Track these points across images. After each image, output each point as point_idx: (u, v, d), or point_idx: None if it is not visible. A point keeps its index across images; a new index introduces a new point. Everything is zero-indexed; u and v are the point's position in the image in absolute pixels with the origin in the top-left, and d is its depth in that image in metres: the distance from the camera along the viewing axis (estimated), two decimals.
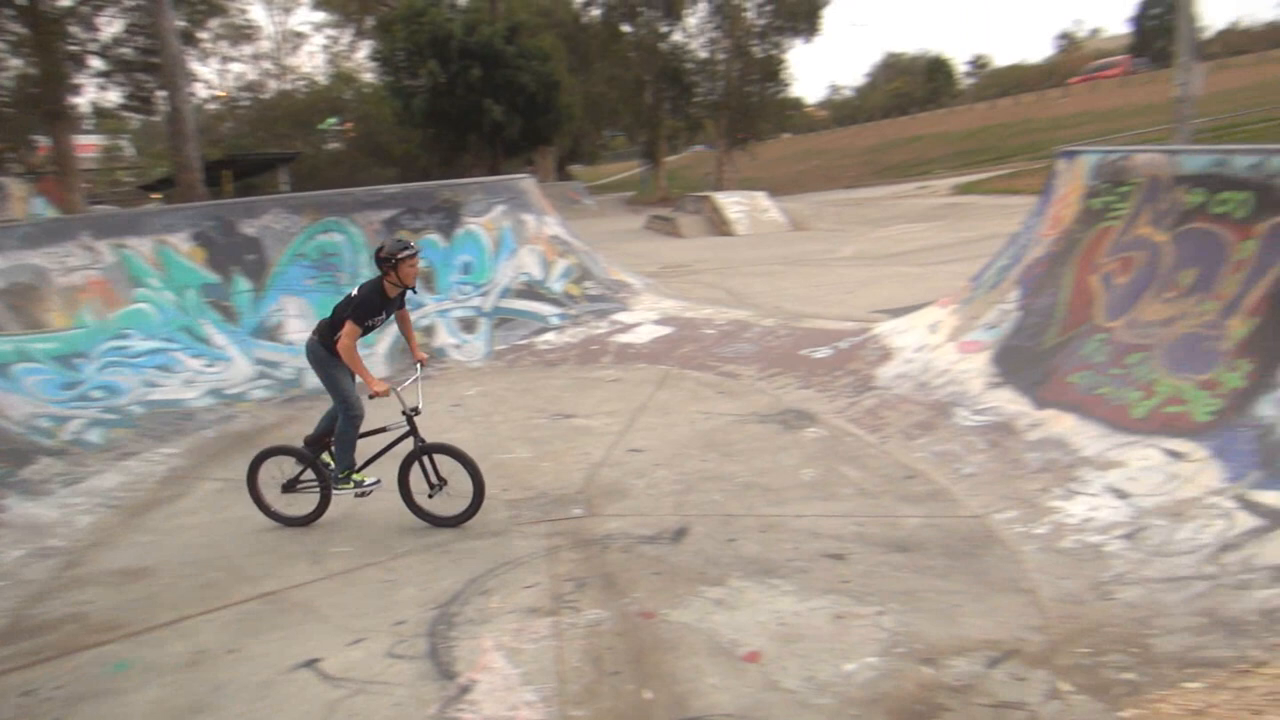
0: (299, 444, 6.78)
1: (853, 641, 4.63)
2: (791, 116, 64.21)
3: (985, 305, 9.09)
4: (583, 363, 11.24)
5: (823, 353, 10.27)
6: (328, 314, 6.43)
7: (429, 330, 11.92)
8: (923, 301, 11.20)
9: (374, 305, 6.17)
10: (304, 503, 6.69)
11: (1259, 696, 3.73)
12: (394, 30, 38.39)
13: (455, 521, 6.41)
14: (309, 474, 6.64)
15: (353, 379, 6.33)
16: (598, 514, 6.57)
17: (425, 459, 6.38)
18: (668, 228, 29.34)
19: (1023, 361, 7.91)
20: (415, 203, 12.87)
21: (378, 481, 6.56)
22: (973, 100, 78.85)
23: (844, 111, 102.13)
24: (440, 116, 37.60)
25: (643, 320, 12.52)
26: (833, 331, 11.03)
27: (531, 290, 12.73)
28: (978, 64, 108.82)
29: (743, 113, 47.71)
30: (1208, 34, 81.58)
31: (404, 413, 6.25)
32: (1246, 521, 4.95)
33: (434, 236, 12.67)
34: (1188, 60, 28.28)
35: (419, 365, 6.58)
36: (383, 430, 6.50)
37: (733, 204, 29.04)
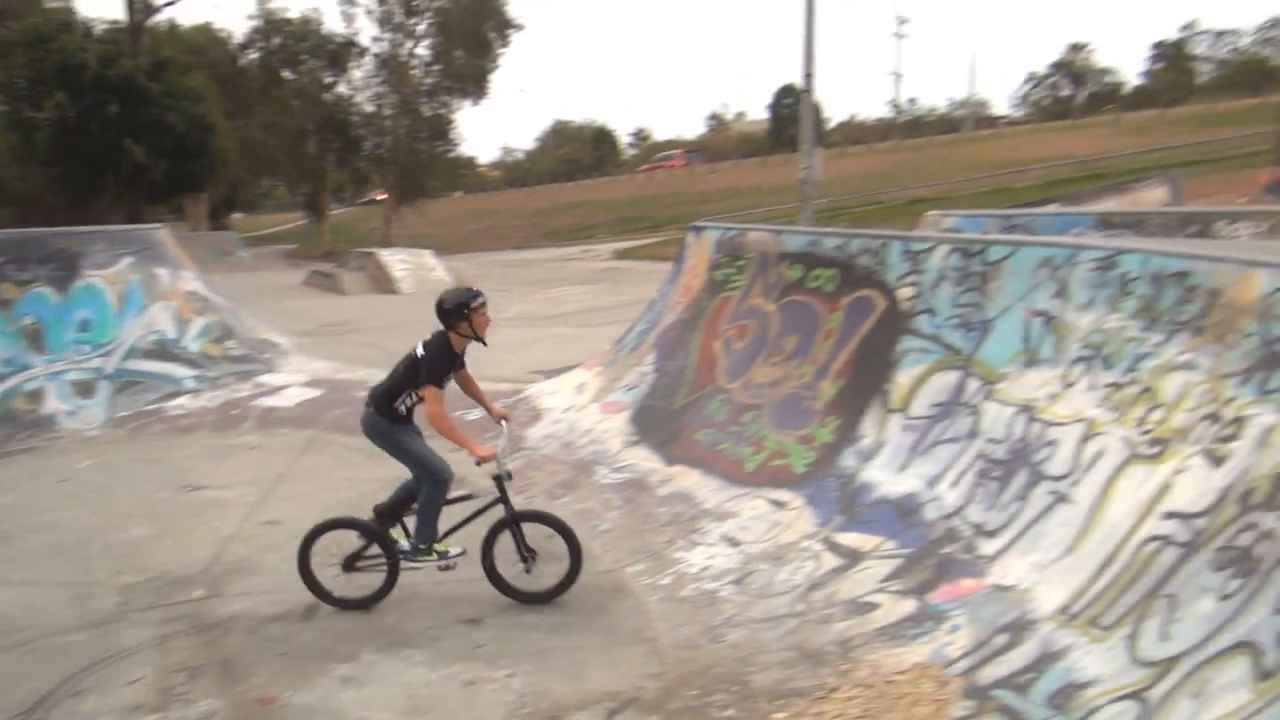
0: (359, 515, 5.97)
1: (482, 707, 4.66)
2: (464, 175, 64.85)
3: (626, 368, 9.65)
4: (220, 429, 10.49)
5: (476, 414, 10.34)
6: None
7: (34, 395, 10.59)
8: (577, 362, 11.65)
9: (447, 363, 5.59)
10: (365, 581, 5.85)
11: None
12: (14, 55, 34.17)
13: (546, 597, 5.82)
14: (374, 549, 5.87)
15: (424, 441, 5.69)
16: (222, 594, 6.13)
17: (516, 528, 5.80)
18: (329, 284, 28.32)
19: (657, 421, 8.47)
20: (22, 251, 11.46)
21: (463, 552, 5.81)
22: (634, 170, 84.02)
23: (515, 173, 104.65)
24: (70, 154, 33.84)
25: (290, 382, 11.94)
26: (488, 392, 11.15)
27: (164, 350, 11.72)
28: (639, 137, 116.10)
29: (411, 169, 47.47)
30: (830, 125, 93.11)
31: (494, 477, 5.74)
32: (831, 561, 5.61)
33: (45, 290, 11.33)
34: (810, 147, 32.10)
35: (503, 423, 6.10)
36: (468, 497, 5.86)
37: (398, 262, 28.62)
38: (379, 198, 55.62)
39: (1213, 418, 4.01)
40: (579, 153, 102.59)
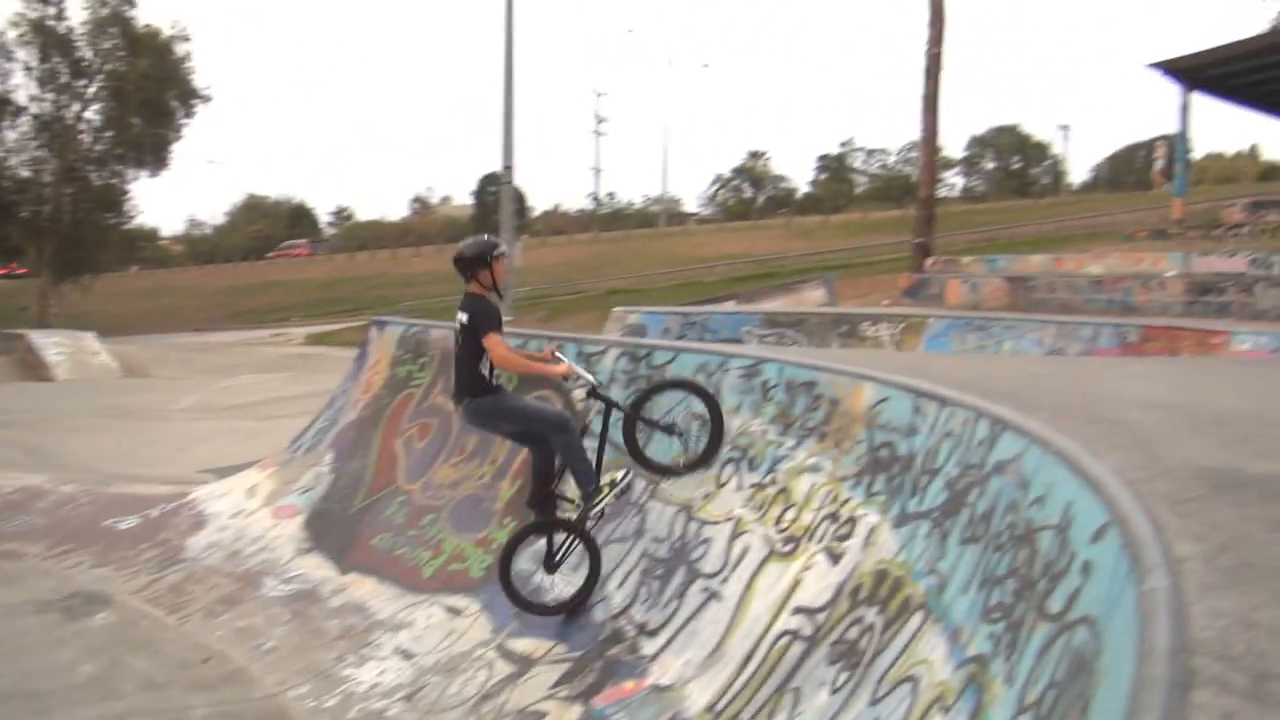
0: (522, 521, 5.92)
1: None
2: (142, 249, 59.67)
3: (302, 468, 9.16)
4: None
5: (130, 522, 9.36)
6: None
7: None
8: (254, 460, 10.91)
9: (488, 307, 5.68)
10: (569, 575, 5.78)
11: None
12: None
13: (701, 464, 5.78)
14: (559, 536, 5.78)
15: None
16: None
17: (638, 417, 5.90)
18: None
19: (333, 525, 8.07)
20: None
21: (628, 472, 5.79)
22: (334, 250, 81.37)
23: (202, 248, 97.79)
24: None
25: None
26: (146, 497, 10.14)
27: None
28: (341, 215, 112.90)
29: (74, 242, 42.98)
30: (534, 214, 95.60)
31: (589, 393, 5.91)
32: (503, 669, 5.55)
33: None
34: (510, 237, 32.72)
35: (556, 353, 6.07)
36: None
37: (52, 345, 25.71)
38: (19, 271, 49.97)
39: (833, 517, 4.43)
40: (273, 229, 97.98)
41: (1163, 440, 2.75)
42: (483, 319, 5.64)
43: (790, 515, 4.80)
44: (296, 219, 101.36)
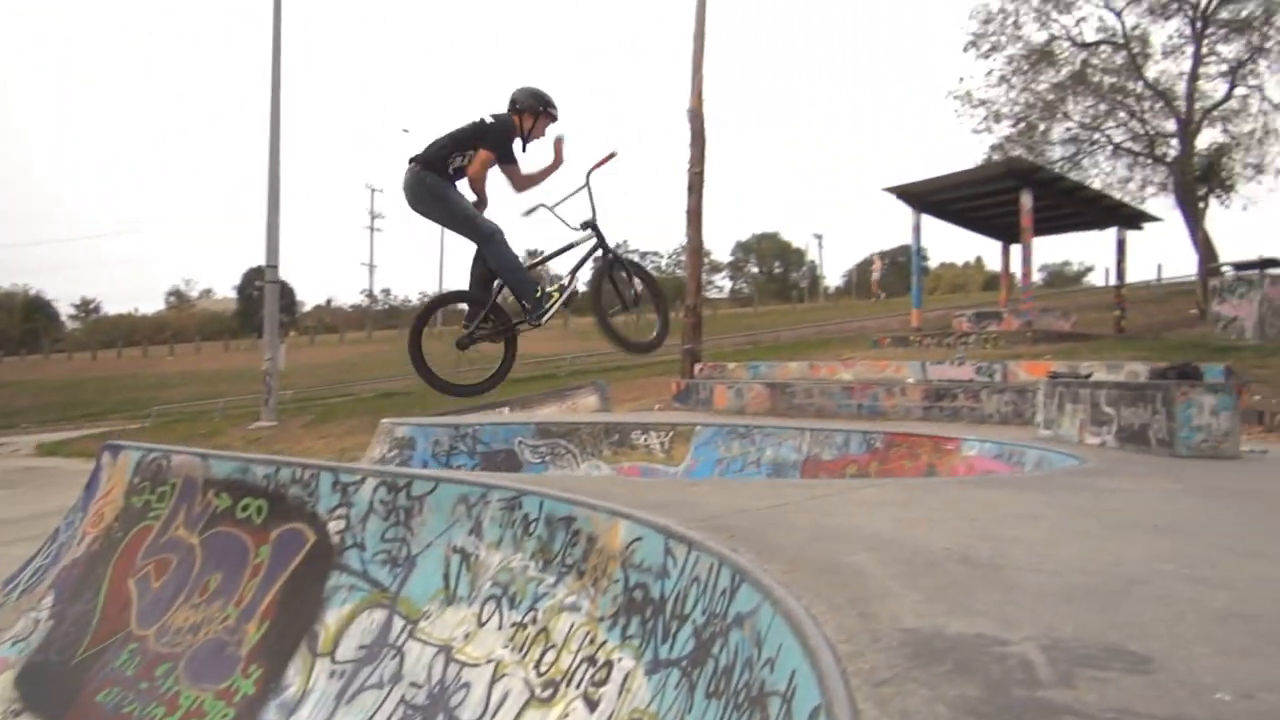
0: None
1: None
2: None
3: (15, 614, 8.16)
4: None
5: None
6: None
7: None
8: None
9: (509, 138, 5.74)
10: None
11: None
12: None
13: (650, 347, 6.36)
14: (484, 321, 6.10)
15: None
16: None
17: (618, 271, 6.07)
18: None
19: (50, 681, 7.21)
20: None
21: (574, 277, 5.91)
22: (76, 348, 74.68)
23: None
24: None
25: None
26: None
27: None
28: (85, 309, 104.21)
29: None
30: (304, 309, 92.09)
31: (585, 224, 6.00)
32: None
33: None
34: (273, 339, 31.36)
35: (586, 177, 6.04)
36: (569, 248, 6.01)
37: None
38: None
39: (590, 660, 4.41)
40: (6, 323, 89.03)
41: (880, 594, 2.94)
42: (499, 132, 5.85)
43: (550, 657, 4.74)
44: (31, 313, 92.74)
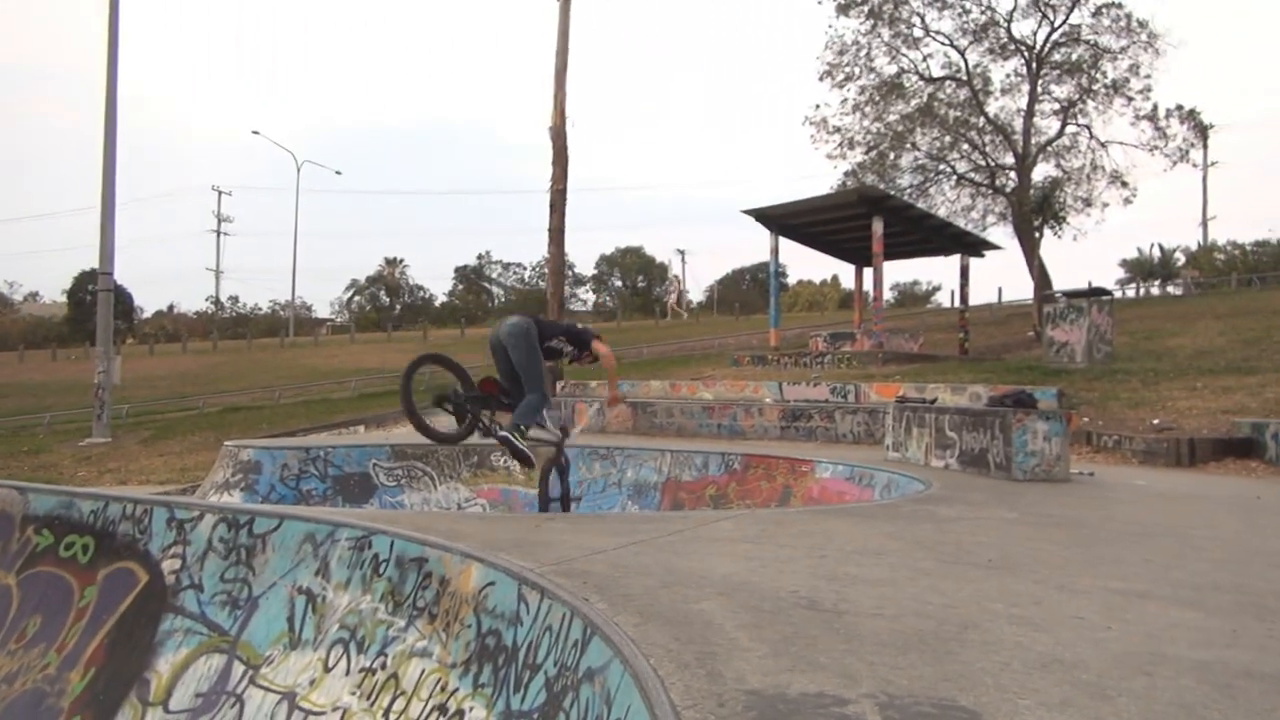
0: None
1: None
2: None
3: None
4: None
5: None
6: None
7: None
8: None
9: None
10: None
11: None
12: None
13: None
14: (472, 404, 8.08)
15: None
16: None
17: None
18: None
19: None
20: None
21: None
22: None
23: None
24: None
25: None
26: None
27: None
28: None
29: None
30: (144, 315, 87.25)
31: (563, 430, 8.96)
32: None
33: None
34: (106, 349, 29.58)
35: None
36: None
37: None
38: None
39: (441, 710, 4.33)
40: None
41: (727, 649, 3.00)
42: (585, 334, 8.27)
43: (399, 705, 4.63)
44: None
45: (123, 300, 64.51)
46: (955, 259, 32.45)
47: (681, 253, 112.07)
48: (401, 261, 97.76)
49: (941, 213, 35.03)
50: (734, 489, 12.53)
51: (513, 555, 4.77)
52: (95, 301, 37.19)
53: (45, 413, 36.33)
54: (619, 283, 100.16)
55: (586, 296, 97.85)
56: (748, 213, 28.90)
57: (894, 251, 30.72)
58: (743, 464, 12.85)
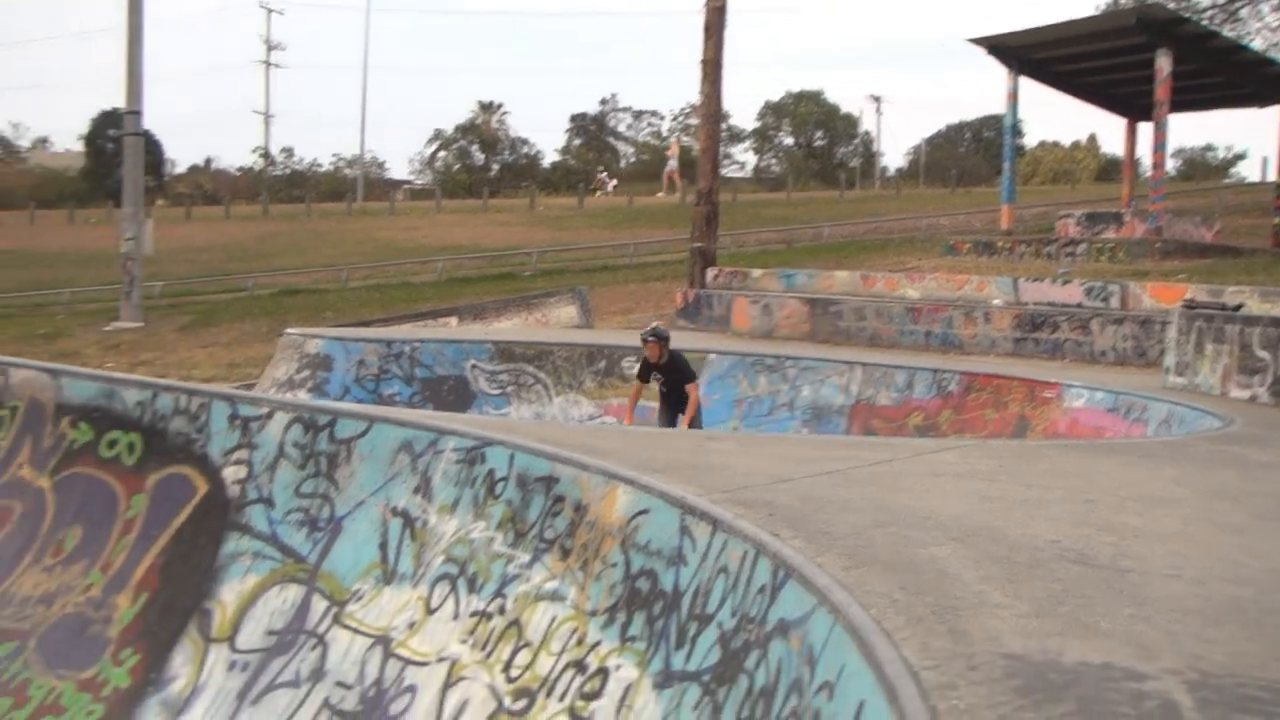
0: None
1: None
2: None
3: None
4: None
5: None
6: None
7: None
8: None
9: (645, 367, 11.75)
10: None
11: None
12: None
13: None
14: None
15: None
16: None
17: None
18: None
19: None
20: None
21: None
22: None
23: None
24: None
25: None
26: None
27: None
28: None
29: None
30: (176, 170, 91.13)
31: None
32: None
33: None
34: (136, 210, 31.17)
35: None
36: None
37: None
38: None
39: (578, 666, 4.54)
40: None
41: (973, 603, 3.03)
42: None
43: (523, 658, 4.87)
44: None
45: (152, 151, 67.36)
46: (1271, 113, 30.70)
47: (876, 100, 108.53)
48: (500, 107, 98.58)
49: (1258, 44, 33.01)
50: (948, 418, 12.43)
51: (671, 479, 4.88)
52: (119, 151, 39.05)
53: (64, 288, 38.74)
54: (789, 140, 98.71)
55: (744, 158, 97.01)
56: (977, 42, 27.91)
57: (1184, 101, 29.18)
58: (961, 385, 12.71)
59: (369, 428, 6.44)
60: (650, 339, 11.55)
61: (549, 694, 4.60)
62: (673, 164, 61.41)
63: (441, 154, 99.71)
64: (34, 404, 8.08)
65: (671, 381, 11.60)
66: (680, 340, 16.27)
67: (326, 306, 31.85)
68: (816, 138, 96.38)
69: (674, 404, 11.60)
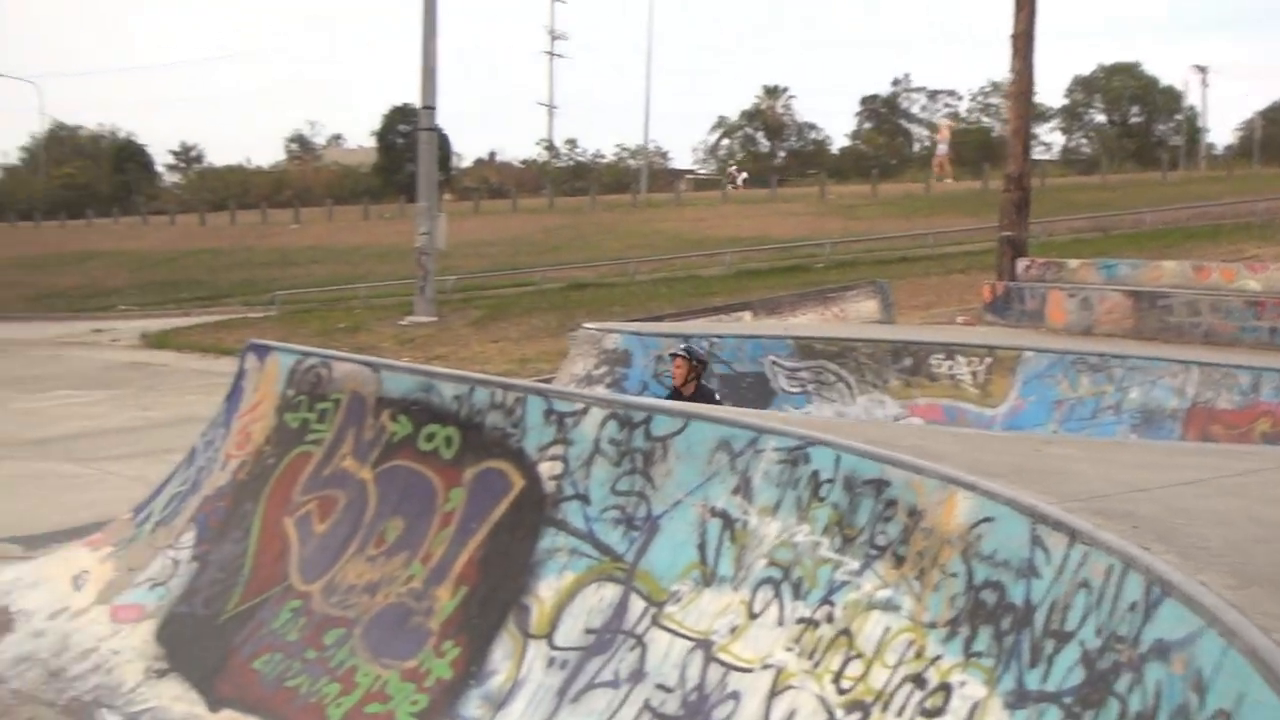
0: None
1: None
2: None
3: (151, 550, 9.16)
4: None
5: None
6: None
7: None
8: (79, 526, 10.93)
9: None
10: None
11: None
12: None
13: None
14: None
15: None
16: None
17: None
18: None
19: (198, 637, 8.09)
20: None
21: None
22: (178, 209, 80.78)
23: None
24: None
25: None
26: None
27: None
28: (186, 157, 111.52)
29: None
30: (463, 164, 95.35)
31: None
32: None
33: None
34: (430, 205, 32.86)
35: None
36: None
37: None
38: None
39: (917, 681, 4.53)
40: (90, 175, 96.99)
41: None
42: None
43: (855, 669, 4.89)
44: (124, 159, 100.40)
45: (440, 145, 70.79)
46: None
47: (1202, 71, 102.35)
48: (785, 91, 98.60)
49: None
50: None
51: (1015, 484, 4.80)
52: (410, 145, 41.23)
53: (359, 283, 41.35)
54: (1100, 117, 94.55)
55: (1050, 138, 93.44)
56: None
57: None
58: None
59: (685, 425, 6.60)
60: (680, 355, 10.41)
61: (885, 708, 4.61)
62: (943, 149, 60.05)
63: (725, 141, 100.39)
64: (355, 397, 8.67)
65: None
66: (989, 337, 15.91)
67: (614, 301, 32.69)
68: (1132, 114, 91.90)
69: None
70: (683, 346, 10.84)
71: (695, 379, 10.25)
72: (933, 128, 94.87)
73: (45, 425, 20.32)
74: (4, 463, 16.74)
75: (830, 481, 5.64)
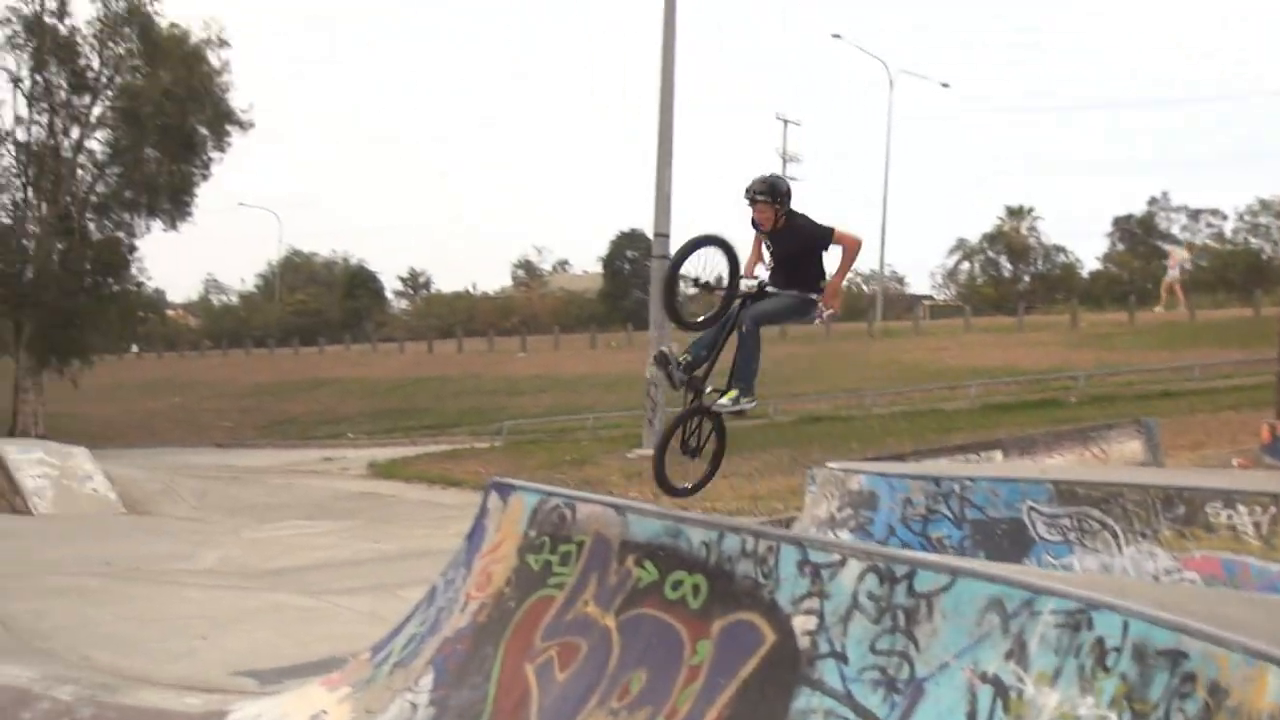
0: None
1: None
2: (144, 321, 63.14)
3: (388, 693, 9.44)
4: None
5: None
6: None
7: None
8: (311, 661, 11.33)
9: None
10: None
11: None
12: None
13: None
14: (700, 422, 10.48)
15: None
16: None
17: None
18: None
19: None
20: None
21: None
22: (406, 335, 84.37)
23: (225, 324, 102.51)
24: None
25: None
26: (167, 715, 10.65)
27: None
28: (414, 283, 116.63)
29: (64, 317, 46.15)
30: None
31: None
32: None
33: None
34: (662, 332, 33.39)
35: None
36: None
37: (33, 464, 27.40)
38: None
39: None
40: (323, 302, 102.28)
41: None
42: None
43: None
44: (355, 285, 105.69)
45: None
46: None
47: None
48: (1031, 212, 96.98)
49: None
50: None
51: None
52: (635, 271, 42.29)
53: (585, 413, 42.22)
54: None
55: None
56: None
57: None
58: None
59: (953, 581, 6.49)
60: (761, 198, 9.65)
61: None
62: (1173, 274, 58.08)
63: (965, 264, 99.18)
64: (599, 539, 8.83)
65: (789, 251, 9.93)
66: (1273, 482, 15.11)
67: (850, 436, 32.45)
68: None
69: (794, 281, 9.97)
70: (759, 183, 9.70)
71: (785, 213, 9.74)
72: (1193, 249, 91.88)
73: (278, 555, 21.22)
74: (240, 593, 17.54)
75: (1118, 650, 5.46)
